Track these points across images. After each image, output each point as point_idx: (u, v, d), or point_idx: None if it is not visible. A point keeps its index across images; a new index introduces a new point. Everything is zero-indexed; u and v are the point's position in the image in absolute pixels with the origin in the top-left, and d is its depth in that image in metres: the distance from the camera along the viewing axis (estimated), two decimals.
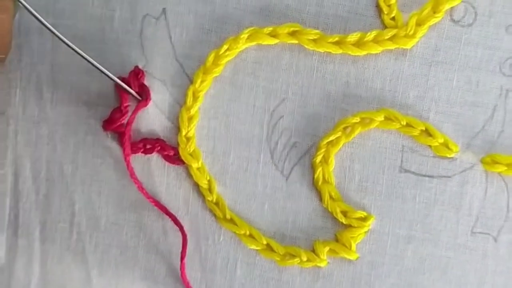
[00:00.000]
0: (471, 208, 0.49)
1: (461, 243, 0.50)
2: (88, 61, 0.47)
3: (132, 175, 0.48)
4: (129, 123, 0.48)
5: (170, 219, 0.49)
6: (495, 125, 0.49)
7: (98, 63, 0.47)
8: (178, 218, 0.49)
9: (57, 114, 0.50)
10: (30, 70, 0.50)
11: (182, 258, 0.49)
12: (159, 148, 0.49)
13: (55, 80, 0.49)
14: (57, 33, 0.46)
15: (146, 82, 0.49)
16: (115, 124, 0.49)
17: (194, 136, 0.49)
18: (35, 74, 0.50)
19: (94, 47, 0.49)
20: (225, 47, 0.48)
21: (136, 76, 0.48)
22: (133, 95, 0.48)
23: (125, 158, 0.47)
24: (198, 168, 0.49)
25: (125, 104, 0.48)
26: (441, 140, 0.49)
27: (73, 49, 0.46)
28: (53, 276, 0.50)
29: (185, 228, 0.50)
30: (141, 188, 0.48)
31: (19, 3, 0.45)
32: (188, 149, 0.49)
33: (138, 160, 0.50)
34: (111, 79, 0.47)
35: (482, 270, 0.50)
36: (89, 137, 0.50)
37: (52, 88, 0.50)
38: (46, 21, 0.46)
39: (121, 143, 0.49)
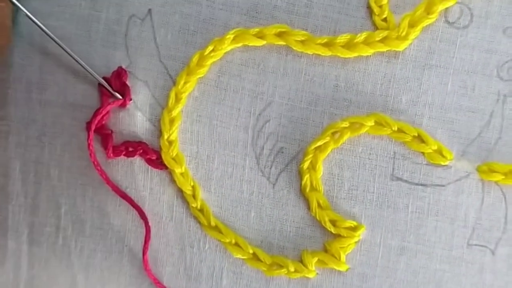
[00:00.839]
0: (467, 219, 0.47)
1: (456, 255, 0.47)
2: (74, 58, 0.46)
3: (94, 161, 0.46)
4: (96, 114, 0.46)
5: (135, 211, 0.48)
6: (492, 132, 0.47)
7: (83, 63, 0.47)
8: (144, 210, 0.48)
9: (45, 115, 0.49)
10: (20, 71, 0.49)
11: (144, 252, 0.47)
12: (141, 151, 0.48)
13: (44, 81, 0.49)
14: (44, 28, 0.45)
15: (128, 83, 0.47)
16: (96, 125, 0.47)
17: (177, 139, 0.48)
18: (25, 75, 0.49)
19: (81, 48, 0.48)
20: (210, 48, 0.47)
21: (118, 76, 0.47)
22: (114, 95, 0.47)
23: (88, 146, 0.46)
24: (181, 173, 0.48)
25: (106, 105, 0.47)
26: (434, 147, 0.47)
27: (59, 44, 0.46)
28: (40, 280, 0.49)
29: (170, 235, 0.48)
30: (101, 171, 0.47)
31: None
32: (171, 153, 0.47)
33: (121, 163, 0.48)
34: (94, 76, 0.47)
35: (479, 284, 0.47)
36: (74, 139, 0.48)
37: (41, 89, 0.49)
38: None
39: (104, 146, 0.48)
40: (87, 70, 0.46)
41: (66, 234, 0.49)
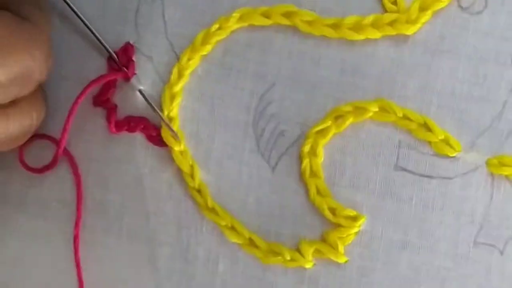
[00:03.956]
0: (474, 215, 0.44)
1: (462, 253, 0.45)
2: (88, 27, 0.47)
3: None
4: (96, 80, 0.46)
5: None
6: (504, 123, 0.44)
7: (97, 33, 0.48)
8: None
9: (58, 91, 0.49)
10: None
11: (77, 221, 0.47)
12: (142, 127, 0.47)
13: (58, 56, 0.49)
14: None
15: (134, 58, 0.48)
16: (102, 98, 0.48)
17: (177, 117, 0.47)
18: None
19: (94, 26, 0.48)
20: (216, 26, 0.47)
21: (125, 51, 0.48)
22: (121, 69, 0.47)
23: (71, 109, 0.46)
24: (180, 152, 0.47)
25: (113, 79, 0.47)
26: (441, 137, 0.44)
27: (76, 13, 0.47)
28: (41, 255, 0.49)
29: (168, 215, 0.48)
30: None
31: None
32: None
33: (123, 139, 0.48)
34: (104, 47, 0.47)
35: (485, 286, 0.44)
36: (80, 113, 0.49)
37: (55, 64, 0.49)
38: None
39: (107, 119, 0.48)
40: (98, 40, 0.47)
41: (72, 209, 0.49)
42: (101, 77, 0.47)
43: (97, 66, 0.49)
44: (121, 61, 0.47)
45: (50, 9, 0.47)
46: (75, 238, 0.47)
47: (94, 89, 0.48)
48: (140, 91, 0.47)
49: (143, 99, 0.47)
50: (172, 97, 0.47)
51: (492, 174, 0.44)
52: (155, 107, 0.47)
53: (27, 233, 0.50)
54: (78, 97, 0.46)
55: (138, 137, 0.48)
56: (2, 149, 0.44)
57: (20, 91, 0.42)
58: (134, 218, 0.48)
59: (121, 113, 0.48)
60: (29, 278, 0.50)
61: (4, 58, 0.40)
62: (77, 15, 0.47)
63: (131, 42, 0.48)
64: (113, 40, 0.48)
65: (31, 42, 0.42)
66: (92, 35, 0.47)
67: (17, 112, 0.43)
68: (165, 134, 0.47)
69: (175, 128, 0.47)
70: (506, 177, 0.44)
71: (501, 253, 0.44)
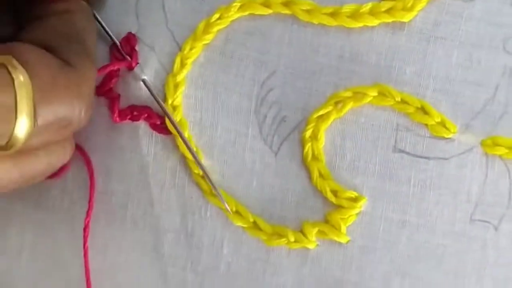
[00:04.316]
0: (470, 193, 0.46)
1: (459, 231, 0.47)
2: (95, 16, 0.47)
3: None
4: (101, 69, 0.47)
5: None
6: (497, 106, 0.46)
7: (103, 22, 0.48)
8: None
9: None
10: None
11: (88, 211, 0.48)
12: (146, 115, 0.48)
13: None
14: None
15: (137, 48, 0.48)
16: (105, 88, 0.48)
17: (181, 105, 0.48)
18: None
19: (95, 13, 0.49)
20: (216, 15, 0.48)
21: (128, 41, 0.48)
22: (123, 57, 0.48)
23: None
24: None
25: (115, 68, 0.48)
26: (438, 119, 0.46)
27: None
28: (44, 245, 0.50)
29: (172, 202, 0.49)
30: None
31: None
32: (175, 119, 0.48)
33: (126, 128, 0.49)
34: (109, 36, 0.48)
35: (482, 261, 0.46)
36: None
37: None
38: None
39: (110, 109, 0.48)
40: (103, 27, 0.48)
41: (72, 198, 0.50)
42: (105, 66, 0.47)
43: (98, 55, 0.49)
44: (124, 51, 0.48)
45: (96, 57, 0.46)
46: (85, 228, 0.48)
47: (97, 79, 0.48)
48: (143, 81, 0.48)
49: (145, 88, 0.48)
50: (176, 86, 0.48)
51: (486, 154, 0.46)
52: (157, 98, 0.47)
53: (28, 222, 0.50)
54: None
55: (142, 125, 0.49)
56: (27, 184, 0.43)
57: (54, 137, 0.41)
58: (138, 206, 0.49)
59: (124, 102, 0.49)
60: (33, 268, 0.50)
61: (42, 105, 0.38)
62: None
63: (132, 32, 0.48)
64: (114, 30, 0.49)
65: (72, 92, 0.40)
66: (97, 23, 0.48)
67: (47, 153, 0.42)
68: (170, 122, 0.48)
69: (179, 116, 0.48)
70: (500, 156, 0.46)
71: (496, 229, 0.46)
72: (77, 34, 0.43)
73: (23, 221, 0.50)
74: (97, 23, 0.48)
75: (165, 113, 0.47)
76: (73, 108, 0.40)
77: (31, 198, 0.50)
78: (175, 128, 0.47)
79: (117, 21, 0.49)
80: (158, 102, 0.47)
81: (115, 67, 0.47)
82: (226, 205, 0.47)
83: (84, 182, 0.49)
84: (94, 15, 0.47)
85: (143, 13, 0.48)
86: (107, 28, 0.48)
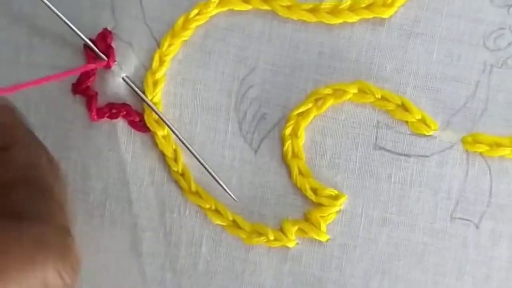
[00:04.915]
0: (451, 191, 0.46)
1: (439, 228, 0.46)
2: (60, 18, 0.46)
3: None
4: (74, 71, 0.46)
5: None
6: (477, 103, 0.46)
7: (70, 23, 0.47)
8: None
9: (32, 78, 0.49)
10: (8, 33, 0.49)
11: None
12: (124, 113, 0.48)
13: (31, 44, 0.49)
14: None
15: (113, 45, 0.48)
16: (82, 86, 0.48)
17: (160, 102, 0.48)
18: (13, 37, 0.49)
19: (69, 10, 0.47)
20: (195, 11, 0.47)
21: (103, 38, 0.47)
22: (99, 56, 0.47)
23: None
24: (163, 136, 0.48)
25: (91, 66, 0.47)
26: (418, 116, 0.46)
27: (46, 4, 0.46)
28: None
29: (151, 200, 0.48)
30: None
31: None
32: (154, 116, 0.47)
33: (104, 126, 0.48)
34: (80, 37, 0.47)
35: (462, 259, 0.46)
36: (60, 102, 0.49)
37: (29, 52, 0.49)
38: None
39: (88, 107, 0.48)
40: (73, 30, 0.47)
41: None
42: (85, 67, 0.47)
43: (72, 53, 0.48)
44: (100, 48, 0.47)
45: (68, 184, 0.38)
46: None
47: (73, 77, 0.48)
48: (123, 78, 0.47)
49: (124, 85, 0.48)
50: (155, 83, 0.47)
51: (467, 152, 0.46)
52: (140, 93, 0.47)
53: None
54: (48, 78, 0.44)
55: (120, 123, 0.48)
56: None
57: None
58: (116, 205, 0.49)
59: (102, 100, 0.48)
60: None
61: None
62: (49, 8, 0.46)
63: (108, 28, 0.48)
64: (89, 26, 0.48)
65: (43, 252, 0.28)
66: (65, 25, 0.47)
67: None
68: (149, 119, 0.47)
69: None
70: (481, 154, 0.46)
71: (477, 227, 0.46)
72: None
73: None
74: (67, 25, 0.47)
75: (150, 106, 0.46)
76: (53, 274, 0.29)
77: None
78: (162, 119, 0.46)
79: (92, 15, 0.48)
80: (141, 97, 0.47)
81: (93, 68, 0.47)
82: (231, 194, 0.47)
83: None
84: (63, 19, 0.46)
85: (119, 7, 0.48)
86: (76, 30, 0.46)
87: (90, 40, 0.47)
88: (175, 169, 0.48)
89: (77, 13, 0.48)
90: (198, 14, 0.47)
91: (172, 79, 0.48)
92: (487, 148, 0.45)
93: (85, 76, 0.48)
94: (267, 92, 0.47)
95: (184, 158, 0.48)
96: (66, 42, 0.48)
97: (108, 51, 0.47)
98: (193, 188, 0.47)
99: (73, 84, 0.48)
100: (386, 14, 0.46)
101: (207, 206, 0.47)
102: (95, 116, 0.47)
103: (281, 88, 0.47)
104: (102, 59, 0.47)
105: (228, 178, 0.47)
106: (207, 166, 0.46)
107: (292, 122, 0.47)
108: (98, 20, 0.48)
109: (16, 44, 0.49)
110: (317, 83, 0.47)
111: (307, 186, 0.47)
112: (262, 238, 0.47)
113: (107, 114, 0.47)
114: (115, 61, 0.47)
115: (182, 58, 0.48)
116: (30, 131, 0.34)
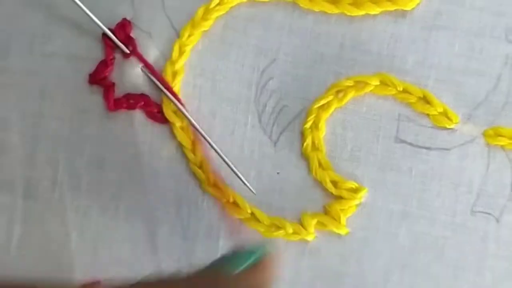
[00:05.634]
0: (471, 184, 0.46)
1: (459, 222, 0.46)
2: (81, 7, 0.46)
3: None
4: (101, 65, 0.46)
5: None
6: (499, 96, 0.46)
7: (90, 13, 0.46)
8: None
9: (47, 68, 0.48)
10: (23, 21, 0.48)
11: None
12: (142, 103, 0.47)
13: (47, 32, 0.48)
14: None
15: (132, 35, 0.47)
16: (99, 76, 0.47)
17: (179, 93, 0.47)
18: (28, 26, 0.48)
19: (86, 0, 0.47)
20: (216, 1, 0.47)
21: (123, 28, 0.47)
22: (119, 47, 0.46)
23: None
24: (181, 127, 0.47)
25: (110, 57, 0.47)
26: (440, 109, 0.46)
27: None
28: (34, 236, 0.48)
29: (168, 192, 0.48)
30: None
31: None
32: (172, 107, 0.47)
33: (121, 117, 0.48)
34: (100, 27, 0.46)
35: (482, 253, 0.46)
36: (77, 91, 0.48)
37: (44, 40, 0.48)
38: None
39: (105, 97, 0.47)
40: (93, 20, 0.46)
41: (62, 189, 0.48)
42: (107, 59, 0.46)
43: (89, 42, 0.48)
44: (119, 38, 0.47)
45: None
46: None
47: (91, 67, 0.47)
48: (141, 68, 0.47)
49: (143, 76, 0.47)
50: (174, 74, 0.47)
51: (488, 145, 0.46)
52: (160, 83, 0.46)
53: (16, 213, 0.49)
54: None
55: (137, 114, 0.48)
56: None
57: None
58: (132, 197, 0.48)
59: (119, 90, 0.47)
60: (22, 258, 0.49)
61: None
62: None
63: (127, 18, 0.47)
64: (108, 16, 0.48)
65: None
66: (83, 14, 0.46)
67: None
68: (167, 110, 0.47)
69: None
70: (502, 147, 0.46)
71: (497, 220, 0.46)
72: None
73: (11, 211, 0.48)
74: (86, 15, 0.46)
75: (169, 96, 0.46)
76: None
77: (20, 188, 0.48)
78: (180, 109, 0.46)
79: (111, 6, 0.47)
80: (161, 87, 0.46)
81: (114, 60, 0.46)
82: (250, 187, 0.46)
83: (74, 173, 0.48)
84: (83, 9, 0.45)
85: None
86: (96, 19, 0.46)
87: (109, 29, 0.46)
88: (193, 160, 0.47)
89: (95, 4, 0.47)
90: (218, 4, 0.47)
91: (191, 70, 0.47)
92: (509, 141, 0.45)
93: (103, 66, 0.47)
94: (287, 84, 0.47)
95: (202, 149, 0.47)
96: (83, 31, 0.48)
97: (128, 41, 0.47)
98: (212, 179, 0.47)
99: (90, 74, 0.47)
100: (409, 6, 0.46)
101: (226, 198, 0.47)
102: (112, 106, 0.47)
103: (301, 80, 0.47)
104: (122, 49, 0.46)
105: (247, 170, 0.47)
106: (225, 158, 0.46)
107: (313, 116, 0.46)
108: (116, 10, 0.47)
109: (31, 32, 0.48)
110: (338, 75, 0.46)
111: (327, 179, 0.46)
112: (281, 231, 0.47)
113: (125, 105, 0.47)
114: (136, 51, 0.46)
115: (201, 49, 0.47)
116: None
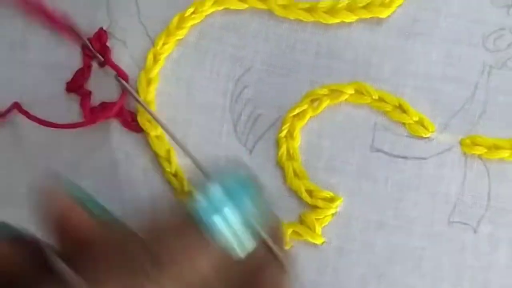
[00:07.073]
0: (449, 194, 0.45)
1: (437, 233, 0.45)
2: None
3: None
4: (78, 74, 0.46)
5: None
6: (476, 104, 0.45)
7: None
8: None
9: (25, 77, 0.48)
10: (2, 29, 0.49)
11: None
12: (117, 112, 0.47)
13: (26, 41, 0.48)
14: None
15: (108, 44, 0.47)
16: (76, 84, 0.47)
17: (154, 101, 0.47)
18: (7, 34, 0.49)
19: (64, 9, 0.47)
20: (191, 10, 0.47)
21: (99, 38, 0.47)
22: (96, 56, 0.46)
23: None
24: (157, 136, 0.47)
25: (87, 65, 0.47)
26: (415, 118, 0.45)
27: None
28: None
29: (143, 200, 0.47)
30: None
31: None
32: (147, 115, 0.47)
33: (97, 126, 0.48)
34: (79, 36, 0.46)
35: (460, 264, 0.45)
36: (54, 100, 0.48)
37: (24, 49, 0.48)
38: None
39: (82, 105, 0.47)
40: (72, 30, 0.46)
41: None
42: (84, 68, 0.46)
43: (68, 51, 0.48)
44: (96, 48, 0.47)
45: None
46: None
47: (68, 75, 0.47)
48: (116, 77, 0.46)
49: (118, 84, 0.47)
50: (149, 82, 0.47)
51: (465, 154, 0.45)
52: (133, 92, 0.46)
53: None
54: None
55: (113, 123, 0.48)
56: None
57: None
58: (108, 205, 0.48)
59: (96, 99, 0.48)
60: None
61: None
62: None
63: (104, 27, 0.47)
64: (85, 24, 0.48)
65: None
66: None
67: None
68: (142, 119, 0.47)
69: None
70: (479, 156, 0.45)
71: (475, 231, 0.45)
72: None
73: None
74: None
75: (142, 105, 0.46)
76: None
77: None
78: (154, 117, 0.46)
79: (87, 14, 0.47)
80: (134, 96, 0.46)
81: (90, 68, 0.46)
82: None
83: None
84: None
85: (114, 6, 0.47)
86: (75, 29, 0.46)
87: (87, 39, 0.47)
88: (168, 169, 0.47)
89: (72, 12, 0.47)
90: (193, 13, 0.46)
91: (166, 79, 0.47)
92: (486, 150, 0.45)
93: (80, 74, 0.47)
94: (262, 93, 0.46)
95: (177, 159, 0.47)
96: (62, 40, 0.47)
97: (104, 50, 0.47)
98: (186, 188, 0.47)
99: (67, 83, 0.47)
100: (384, 14, 0.45)
101: None
102: (88, 115, 0.47)
103: (277, 89, 0.46)
104: (99, 58, 0.46)
105: None
106: (201, 167, 0.46)
107: (287, 124, 0.46)
108: (93, 18, 0.47)
109: (10, 41, 0.48)
110: (314, 83, 0.46)
111: (302, 188, 0.46)
112: None
113: (100, 113, 0.47)
114: (111, 60, 0.47)
115: (176, 57, 0.47)
116: None
